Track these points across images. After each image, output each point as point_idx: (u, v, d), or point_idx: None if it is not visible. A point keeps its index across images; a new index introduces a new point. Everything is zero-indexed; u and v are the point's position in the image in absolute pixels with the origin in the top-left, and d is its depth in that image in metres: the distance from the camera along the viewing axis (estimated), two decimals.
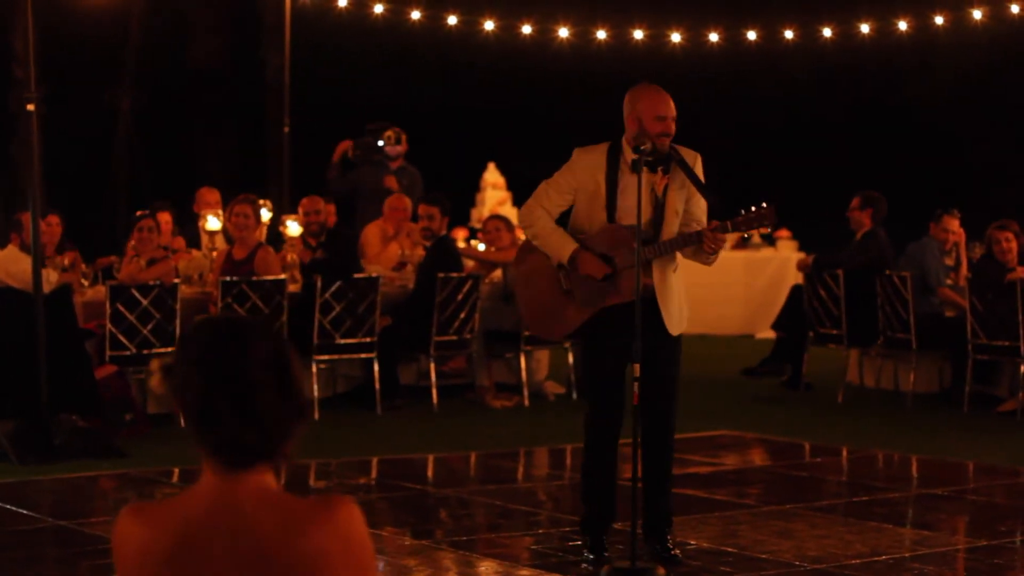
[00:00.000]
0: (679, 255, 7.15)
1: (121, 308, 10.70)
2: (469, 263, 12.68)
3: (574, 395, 12.49)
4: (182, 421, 9.61)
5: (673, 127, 7.03)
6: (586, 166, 7.13)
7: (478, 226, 15.77)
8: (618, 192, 7.07)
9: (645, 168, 6.92)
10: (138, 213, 11.71)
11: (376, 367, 11.68)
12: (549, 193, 7.19)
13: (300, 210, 12.48)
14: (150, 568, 2.68)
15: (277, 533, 2.68)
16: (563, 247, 7.12)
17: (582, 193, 7.14)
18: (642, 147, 6.85)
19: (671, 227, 7.06)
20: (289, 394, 2.72)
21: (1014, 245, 11.98)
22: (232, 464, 2.71)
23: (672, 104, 7.05)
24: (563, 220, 7.29)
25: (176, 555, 2.67)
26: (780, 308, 13.90)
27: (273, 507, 2.71)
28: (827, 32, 16.96)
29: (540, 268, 7.28)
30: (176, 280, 11.14)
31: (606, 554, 7.17)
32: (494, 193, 18.46)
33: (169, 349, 10.83)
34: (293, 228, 12.63)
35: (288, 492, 2.76)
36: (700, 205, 7.13)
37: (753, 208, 7.04)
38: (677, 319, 7.14)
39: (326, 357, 11.51)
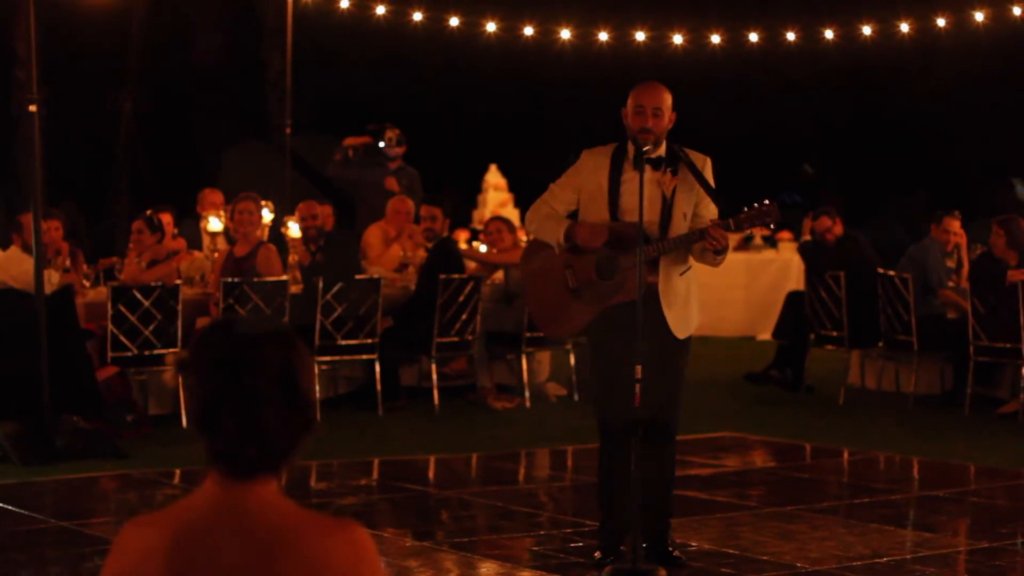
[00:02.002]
0: (692, 258, 7.12)
1: (123, 309, 10.71)
2: (471, 264, 12.68)
3: (575, 396, 12.48)
4: (185, 421, 9.46)
5: (654, 120, 6.89)
6: (590, 166, 7.11)
7: (480, 227, 15.78)
8: (621, 191, 7.03)
9: (650, 167, 6.89)
10: (148, 212, 11.73)
11: (377, 368, 11.68)
12: (555, 192, 7.20)
13: (297, 214, 12.50)
14: (148, 574, 2.65)
15: (276, 546, 2.65)
16: (558, 227, 7.08)
17: (585, 193, 7.12)
18: (644, 147, 6.85)
19: (679, 229, 6.99)
20: (296, 408, 2.68)
21: (1000, 241, 11.93)
22: (232, 474, 2.69)
23: (656, 95, 6.93)
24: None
25: (173, 561, 2.65)
26: (779, 313, 13.84)
27: (274, 517, 2.68)
28: (829, 34, 16.96)
29: (547, 267, 7.27)
30: (178, 281, 11.14)
31: (611, 558, 7.12)
32: (496, 195, 18.46)
33: (171, 350, 10.85)
34: (295, 229, 12.65)
35: (292, 503, 2.72)
36: (710, 209, 7.01)
37: (756, 205, 6.98)
38: (682, 321, 7.07)
39: (327, 358, 11.51)
